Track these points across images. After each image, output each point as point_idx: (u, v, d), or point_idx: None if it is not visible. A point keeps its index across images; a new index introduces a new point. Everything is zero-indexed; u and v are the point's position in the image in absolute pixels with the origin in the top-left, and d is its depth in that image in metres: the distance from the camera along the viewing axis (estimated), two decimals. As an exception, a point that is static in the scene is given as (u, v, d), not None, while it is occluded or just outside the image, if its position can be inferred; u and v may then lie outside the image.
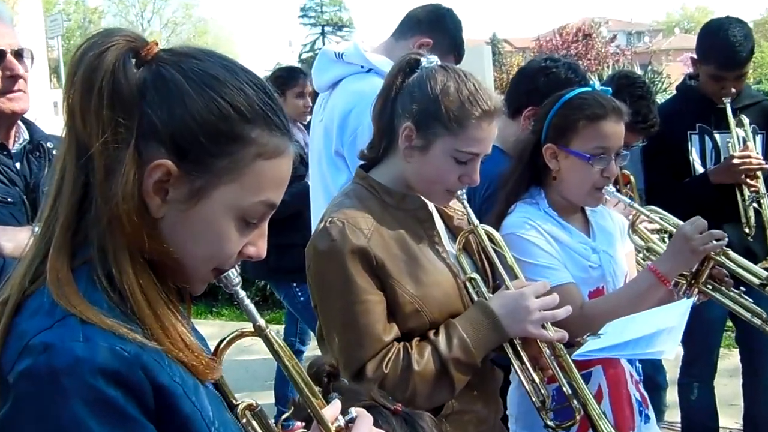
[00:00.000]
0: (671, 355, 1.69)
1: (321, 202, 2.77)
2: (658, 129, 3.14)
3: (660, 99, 8.90)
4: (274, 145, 1.07)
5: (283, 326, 5.17)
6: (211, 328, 6.38)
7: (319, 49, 2.92)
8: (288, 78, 4.60)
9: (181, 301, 1.13)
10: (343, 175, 2.68)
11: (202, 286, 1.15)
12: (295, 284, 4.31)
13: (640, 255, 2.48)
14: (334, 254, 1.77)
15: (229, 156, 1.04)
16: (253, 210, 1.08)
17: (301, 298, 4.28)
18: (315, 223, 2.05)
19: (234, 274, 1.14)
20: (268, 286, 6.44)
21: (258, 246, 1.14)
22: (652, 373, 3.68)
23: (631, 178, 3.28)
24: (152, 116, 1.01)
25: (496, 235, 1.98)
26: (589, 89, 2.23)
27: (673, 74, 12.88)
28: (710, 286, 2.29)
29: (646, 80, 4.27)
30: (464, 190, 1.93)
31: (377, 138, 1.95)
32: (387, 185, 1.91)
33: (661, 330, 1.74)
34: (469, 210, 1.96)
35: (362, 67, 2.74)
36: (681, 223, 2.19)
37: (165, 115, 1.02)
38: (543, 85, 2.62)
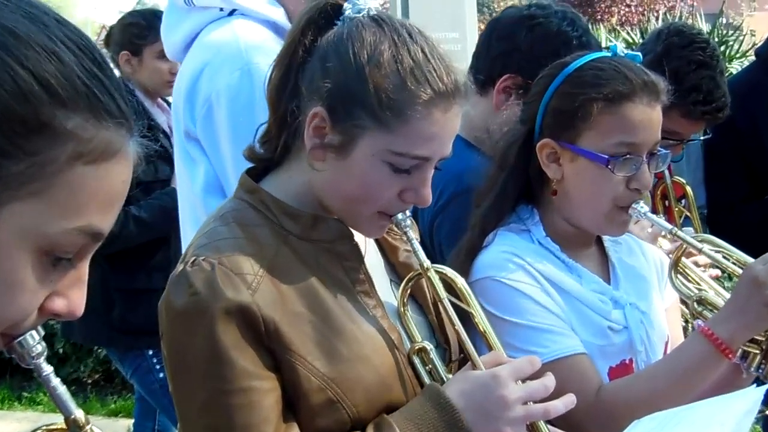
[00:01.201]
0: None
1: (188, 222, 2.77)
2: (728, 114, 3.20)
3: (738, 68, 9.08)
4: (103, 142, 1.08)
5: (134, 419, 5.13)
6: (19, 425, 6.37)
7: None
8: (147, 27, 4.60)
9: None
10: (199, 167, 2.69)
11: None
12: (151, 353, 4.30)
13: (690, 311, 2.49)
14: (198, 315, 1.76)
15: (30, 157, 1.04)
16: (66, 241, 1.08)
17: (160, 375, 4.26)
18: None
19: (34, 340, 1.14)
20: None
21: (71, 298, 1.13)
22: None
23: (688, 189, 3.37)
24: None
25: (459, 281, 1.98)
26: (608, 54, 2.28)
27: (758, 30, 13.18)
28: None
29: (714, 38, 4.35)
30: (408, 213, 1.94)
31: (274, 128, 1.95)
32: (288, 203, 1.91)
33: None
34: (416, 244, 1.96)
35: (221, 10, 2.76)
36: (751, 260, 2.22)
37: None
38: (524, 44, 2.69)
